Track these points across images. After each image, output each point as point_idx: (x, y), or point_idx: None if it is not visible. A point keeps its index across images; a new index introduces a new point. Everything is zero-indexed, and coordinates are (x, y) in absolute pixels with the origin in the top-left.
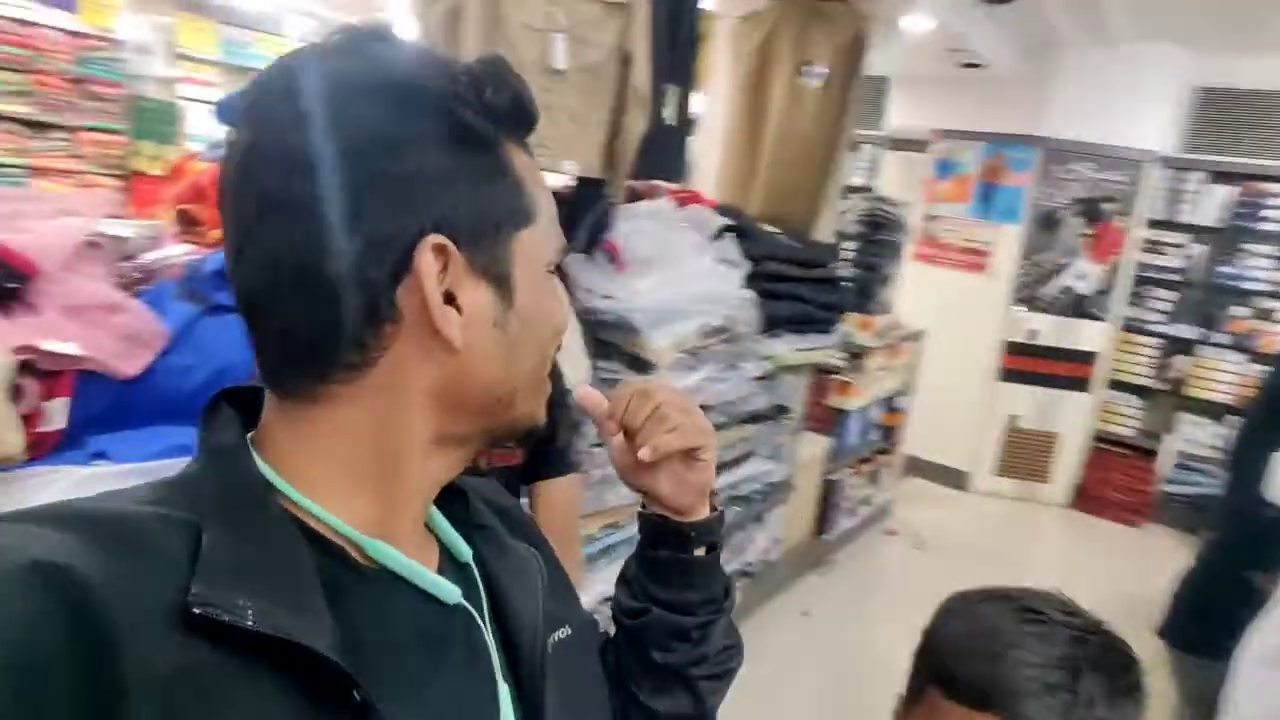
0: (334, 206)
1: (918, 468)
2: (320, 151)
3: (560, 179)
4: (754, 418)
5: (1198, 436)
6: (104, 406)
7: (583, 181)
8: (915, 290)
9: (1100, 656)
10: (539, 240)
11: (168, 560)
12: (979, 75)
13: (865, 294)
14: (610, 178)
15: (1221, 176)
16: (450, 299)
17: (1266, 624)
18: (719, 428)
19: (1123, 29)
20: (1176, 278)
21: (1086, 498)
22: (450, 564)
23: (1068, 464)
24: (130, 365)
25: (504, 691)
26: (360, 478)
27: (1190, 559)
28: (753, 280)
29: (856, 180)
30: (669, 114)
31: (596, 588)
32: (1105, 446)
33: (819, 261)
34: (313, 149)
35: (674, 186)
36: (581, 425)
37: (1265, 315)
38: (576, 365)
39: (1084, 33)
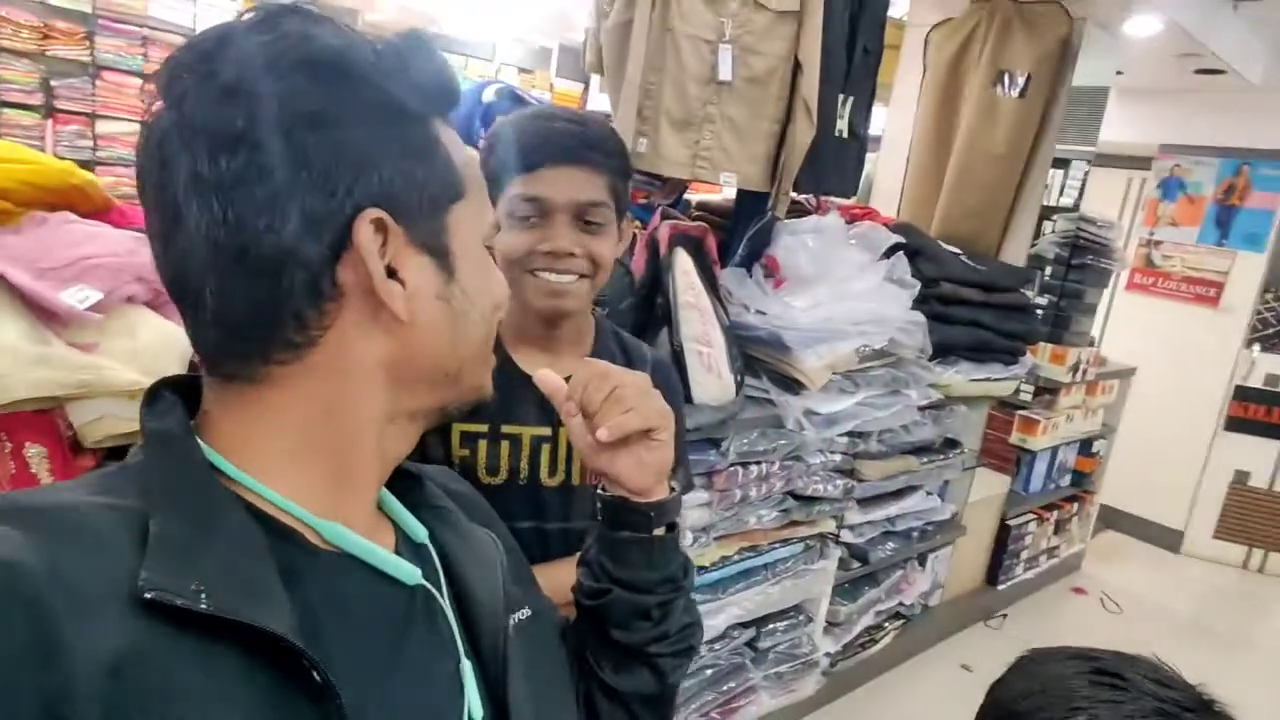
0: (268, 184)
1: (1117, 521)
2: (250, 129)
3: (721, 191)
4: (919, 449)
5: None
6: None
7: (743, 194)
8: (1128, 322)
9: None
10: (473, 215)
11: (117, 549)
12: (1219, 82)
13: (1061, 323)
14: (773, 191)
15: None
16: (393, 273)
17: None
18: (875, 457)
19: None
20: None
21: None
22: (406, 545)
23: None
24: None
25: (468, 669)
26: (310, 458)
27: None
28: (925, 303)
29: (1064, 200)
30: (843, 126)
31: (730, 610)
32: None
33: (1004, 285)
34: (242, 126)
35: (847, 203)
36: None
37: None
38: (723, 384)
39: None
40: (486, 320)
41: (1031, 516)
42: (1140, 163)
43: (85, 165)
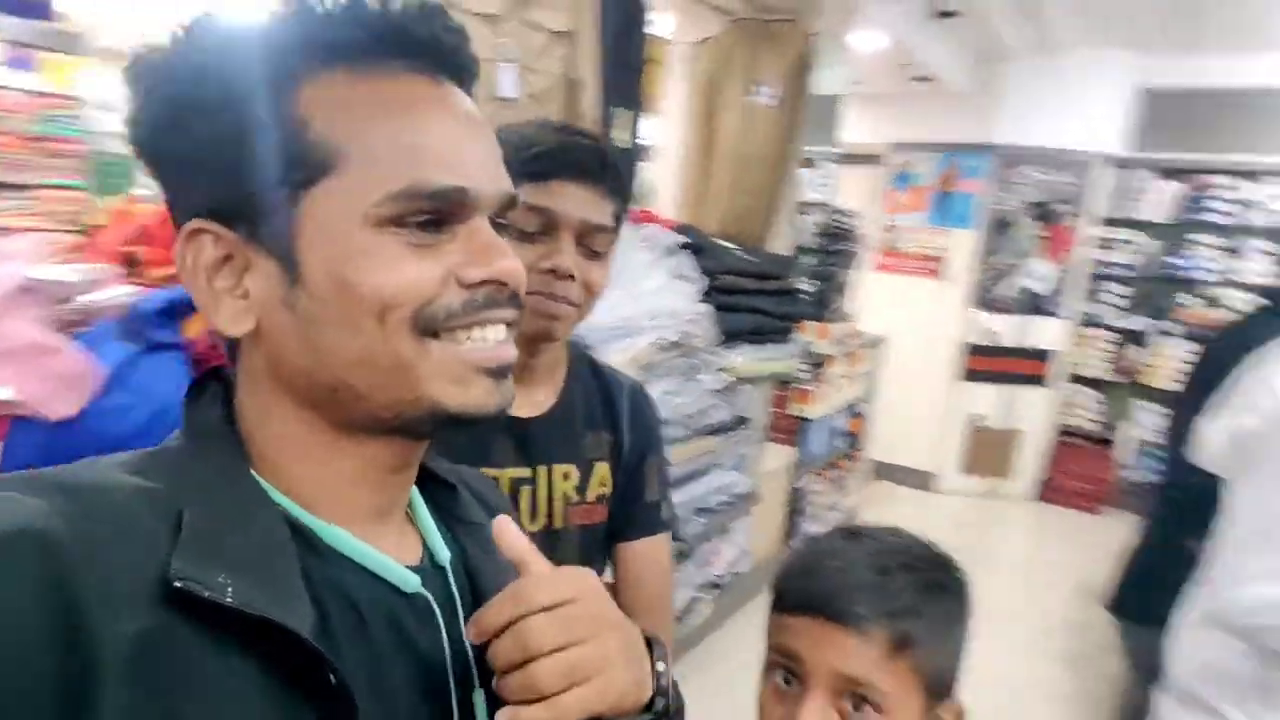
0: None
1: (883, 471)
2: (135, 147)
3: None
4: (715, 430)
5: (1152, 423)
6: (36, 451)
7: None
8: (877, 298)
9: (911, 560)
10: (347, 193)
11: (148, 534)
12: (930, 89)
13: (824, 303)
14: None
15: (1170, 173)
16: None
17: (1198, 588)
18: (679, 441)
19: (1067, 37)
20: (1128, 272)
21: (1050, 489)
22: (431, 561)
23: (1030, 458)
24: (63, 407)
25: (479, 697)
26: (287, 461)
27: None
28: (709, 295)
29: (814, 195)
30: (620, 136)
31: None
32: (1066, 439)
33: (775, 274)
34: (134, 149)
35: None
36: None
37: (1214, 303)
38: None
39: (1029, 43)
40: (362, 327)
41: (816, 478)
42: (877, 160)
43: None
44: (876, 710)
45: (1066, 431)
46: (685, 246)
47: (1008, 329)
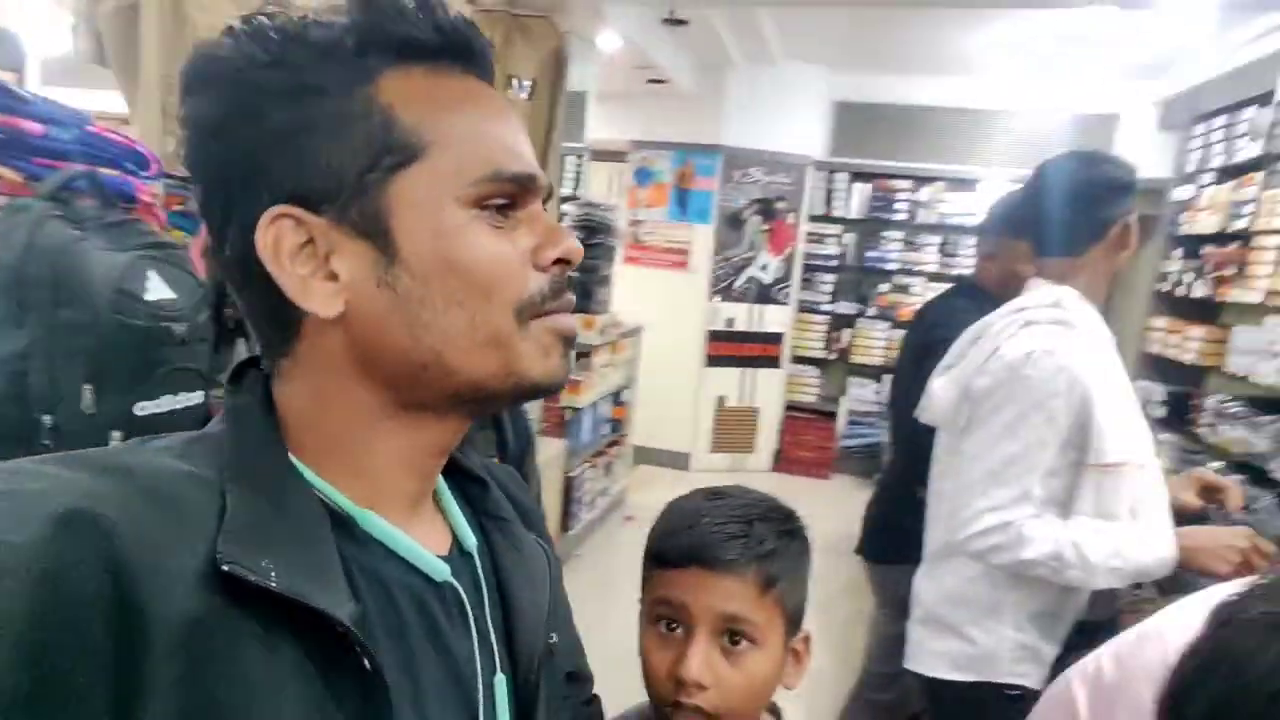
0: (205, 201)
1: (645, 455)
2: (190, 146)
3: None
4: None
5: (863, 396)
6: None
7: None
8: (630, 290)
9: (766, 512)
10: (439, 176)
11: (196, 518)
12: (666, 90)
13: (586, 295)
14: None
15: (860, 176)
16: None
17: (935, 525)
18: None
19: (778, 50)
20: (834, 263)
21: (785, 460)
22: (459, 550)
23: (768, 433)
24: None
25: (501, 682)
26: (330, 447)
27: (874, 488)
28: None
29: (564, 190)
30: None
31: None
32: (795, 414)
33: None
34: (189, 147)
35: None
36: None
37: (902, 289)
38: None
39: (749, 53)
40: (467, 306)
41: (586, 465)
42: (620, 156)
43: None
44: (751, 641)
45: (795, 407)
46: None
47: (743, 316)
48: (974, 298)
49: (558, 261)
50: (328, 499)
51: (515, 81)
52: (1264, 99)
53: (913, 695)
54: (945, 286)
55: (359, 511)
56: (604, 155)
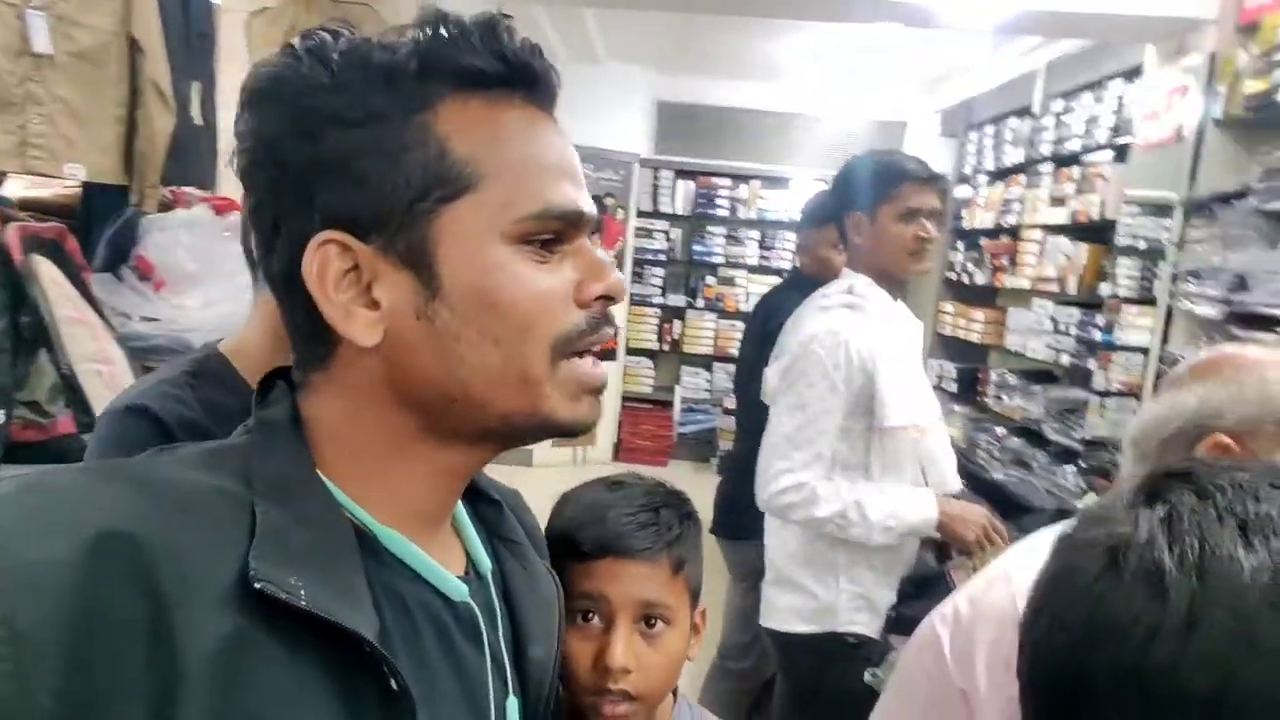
0: (255, 218)
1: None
2: (246, 160)
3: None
4: None
5: (695, 384)
6: None
7: (92, 189)
8: None
9: (666, 498)
10: (486, 210)
11: (226, 534)
12: None
13: None
14: (134, 184)
15: (684, 174)
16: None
17: None
18: None
19: (602, 50)
20: (663, 257)
21: (625, 450)
22: (474, 571)
23: (607, 425)
24: None
25: (513, 705)
26: (357, 465)
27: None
28: None
29: None
30: (196, 113)
31: None
32: (632, 404)
33: None
34: (245, 160)
35: (206, 194)
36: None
37: (727, 282)
38: None
39: (575, 51)
40: (504, 340)
41: None
42: None
43: None
44: (666, 623)
45: (632, 398)
46: None
47: None
48: (802, 288)
49: (600, 298)
50: (352, 515)
51: None
52: (1025, 111)
53: (767, 663)
54: (765, 278)
55: (383, 530)
56: None
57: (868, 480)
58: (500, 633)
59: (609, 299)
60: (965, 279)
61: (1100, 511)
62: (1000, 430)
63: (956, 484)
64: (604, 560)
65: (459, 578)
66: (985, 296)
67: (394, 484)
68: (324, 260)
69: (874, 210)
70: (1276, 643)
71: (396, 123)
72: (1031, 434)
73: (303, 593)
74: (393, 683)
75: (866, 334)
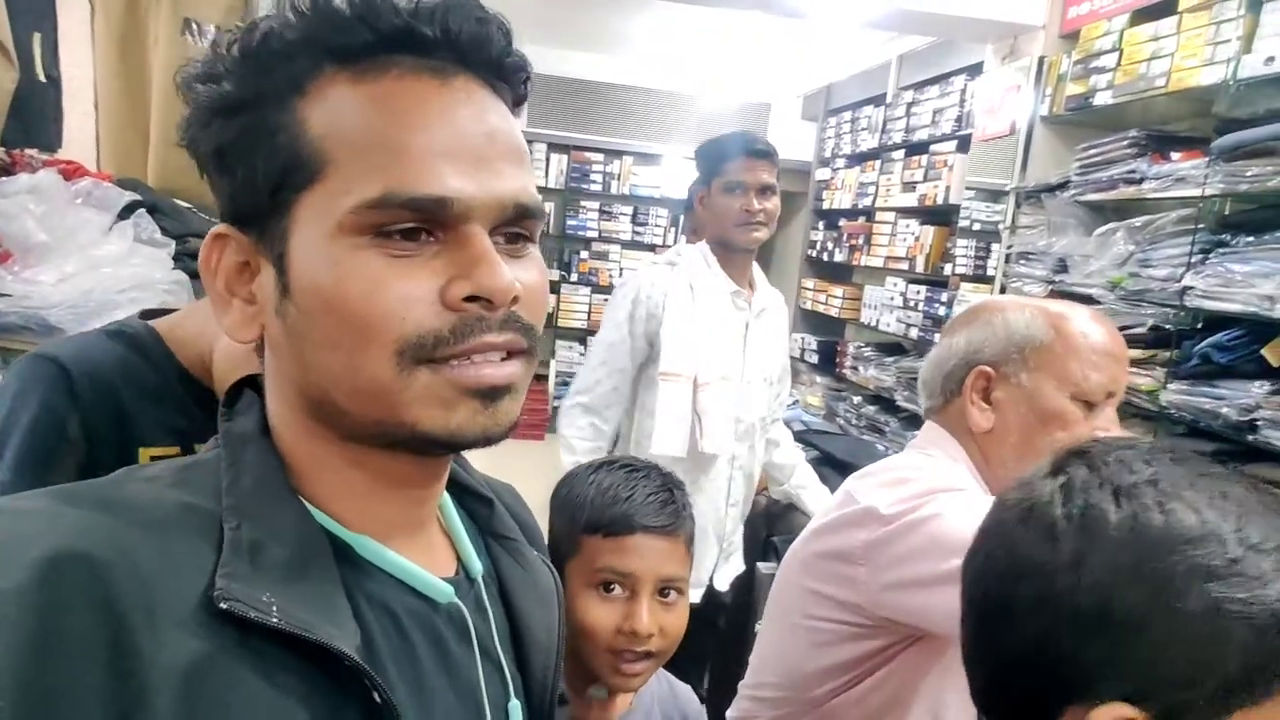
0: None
1: None
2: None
3: None
4: None
5: (570, 358)
6: None
7: None
8: None
9: (667, 478)
10: (329, 198)
11: (191, 551)
12: None
13: None
14: None
15: (557, 148)
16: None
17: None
18: None
19: None
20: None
21: None
22: (464, 574)
23: None
24: None
25: (516, 708)
26: (315, 472)
27: None
28: (179, 261)
29: None
30: (41, 69)
31: None
32: None
33: None
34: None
35: (49, 156)
36: None
37: (601, 256)
38: None
39: None
40: (342, 345)
41: None
42: None
43: None
44: (679, 593)
45: None
46: (139, 205)
47: None
48: None
49: (475, 299)
50: (323, 525)
51: (193, 26)
52: (879, 100)
53: None
54: (638, 253)
55: (353, 537)
56: None
57: (647, 419)
58: (496, 634)
59: (485, 300)
60: (825, 257)
61: (1025, 479)
62: (856, 399)
63: (724, 447)
64: (632, 536)
65: (447, 580)
66: (843, 274)
67: (350, 491)
68: (219, 252)
69: (709, 185)
70: (1141, 573)
71: (270, 107)
72: (885, 401)
73: (275, 609)
74: (375, 696)
75: (663, 286)
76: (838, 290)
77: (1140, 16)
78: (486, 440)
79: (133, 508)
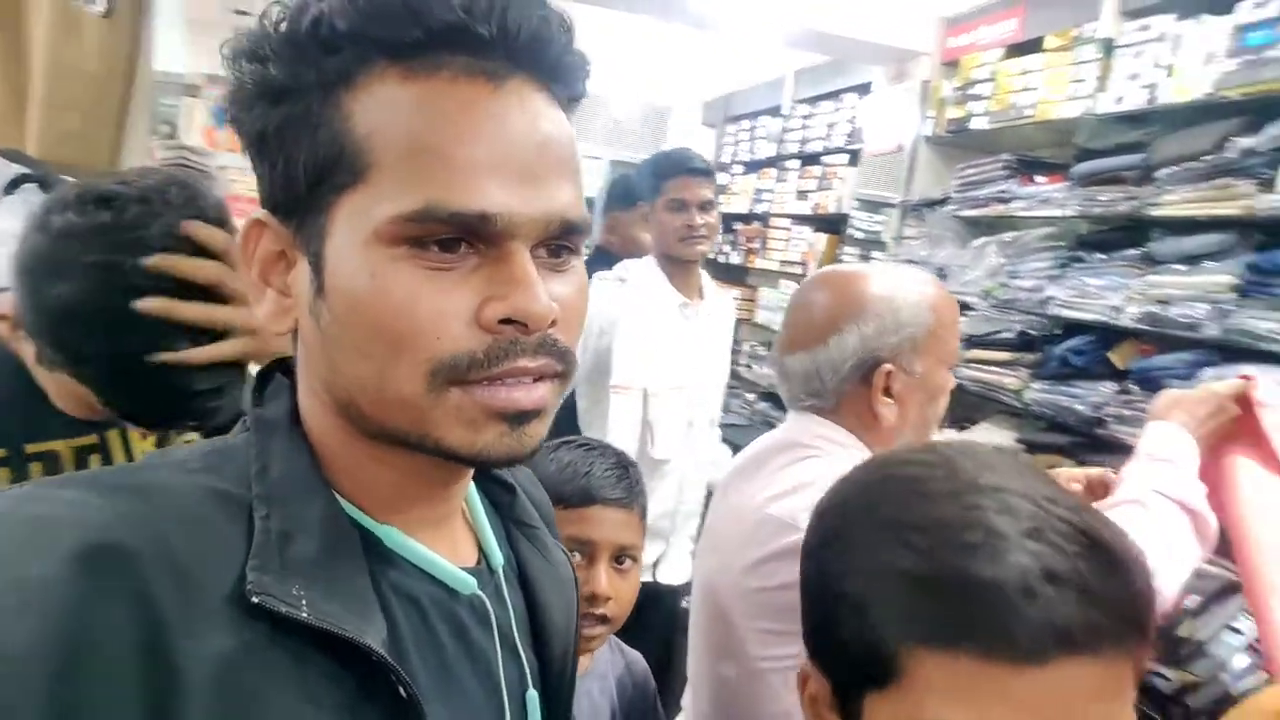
0: None
1: None
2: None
3: None
4: None
5: None
6: None
7: None
8: None
9: (620, 454)
10: (369, 203)
11: (222, 541)
12: (252, 23)
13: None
14: None
15: None
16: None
17: None
18: None
19: None
20: None
21: None
22: (486, 564)
23: None
24: None
25: (534, 698)
26: (341, 461)
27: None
28: None
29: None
30: None
31: None
32: None
33: None
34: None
35: None
36: None
37: None
38: None
39: None
40: (374, 359)
41: None
42: (194, 91)
43: None
44: (633, 560)
45: None
46: (28, 179)
47: None
48: (608, 264)
49: (511, 322)
50: (350, 515)
51: None
52: (775, 111)
53: None
54: None
55: (380, 527)
56: (174, 89)
57: (599, 433)
58: (515, 624)
59: (521, 325)
60: (721, 259)
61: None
62: (750, 395)
63: (674, 452)
64: (591, 508)
65: (469, 570)
66: (739, 275)
67: (377, 484)
68: (257, 239)
69: (653, 200)
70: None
71: (315, 98)
72: (776, 399)
73: (304, 603)
74: (401, 691)
75: (614, 303)
76: (735, 291)
77: (1013, 51)
78: (511, 461)
79: (164, 495)
